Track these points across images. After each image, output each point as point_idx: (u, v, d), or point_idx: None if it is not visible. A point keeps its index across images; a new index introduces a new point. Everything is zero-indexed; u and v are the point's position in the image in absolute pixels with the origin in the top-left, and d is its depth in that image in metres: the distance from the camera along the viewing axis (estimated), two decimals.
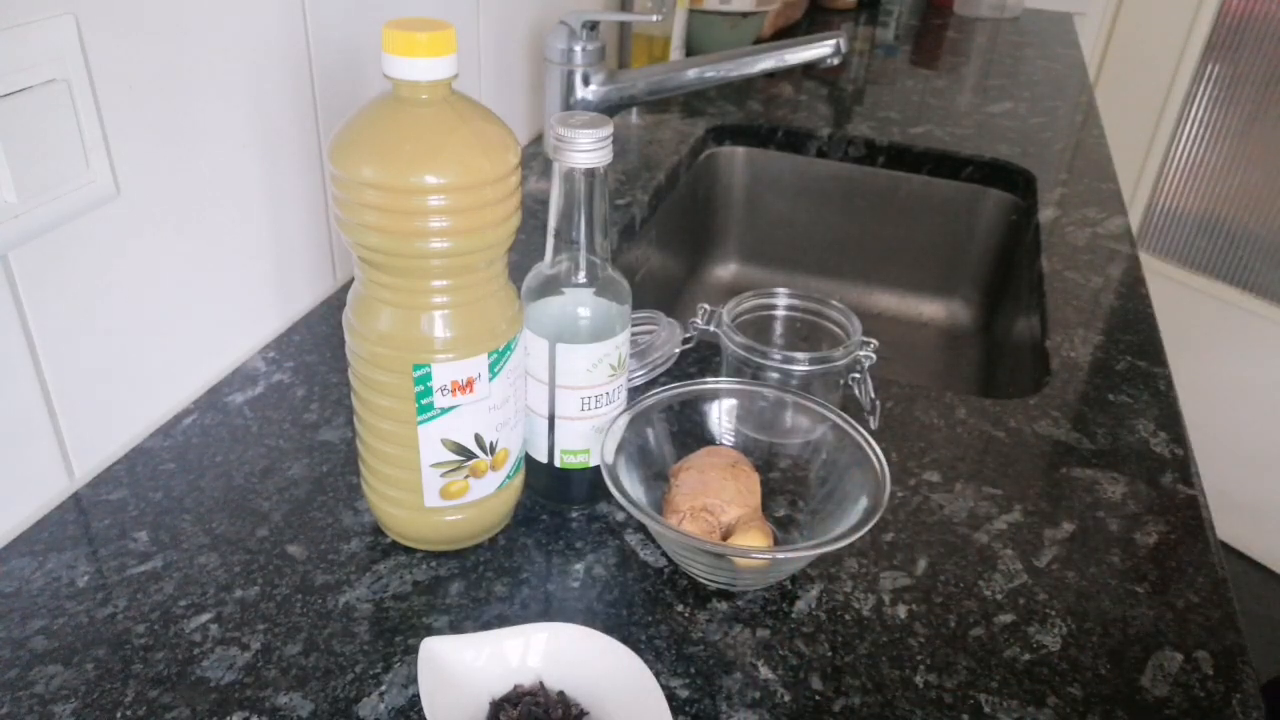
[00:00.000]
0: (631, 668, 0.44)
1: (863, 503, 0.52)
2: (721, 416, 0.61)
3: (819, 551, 0.49)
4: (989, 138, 1.22)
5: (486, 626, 0.50)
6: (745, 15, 1.40)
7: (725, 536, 0.53)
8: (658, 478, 0.57)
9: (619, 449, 0.54)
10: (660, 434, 0.58)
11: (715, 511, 0.53)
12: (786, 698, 0.47)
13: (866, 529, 0.49)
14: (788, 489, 0.59)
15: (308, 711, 0.45)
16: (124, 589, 0.51)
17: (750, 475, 0.56)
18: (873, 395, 0.66)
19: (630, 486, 0.53)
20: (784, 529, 0.57)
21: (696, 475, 0.55)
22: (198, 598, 0.51)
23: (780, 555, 0.51)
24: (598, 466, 0.57)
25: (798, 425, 0.60)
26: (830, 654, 0.50)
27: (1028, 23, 1.85)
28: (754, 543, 0.51)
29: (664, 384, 0.60)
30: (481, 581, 0.53)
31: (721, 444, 0.60)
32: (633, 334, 0.72)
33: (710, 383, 0.61)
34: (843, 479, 0.55)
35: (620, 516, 0.58)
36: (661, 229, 1.10)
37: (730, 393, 0.61)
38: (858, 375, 0.66)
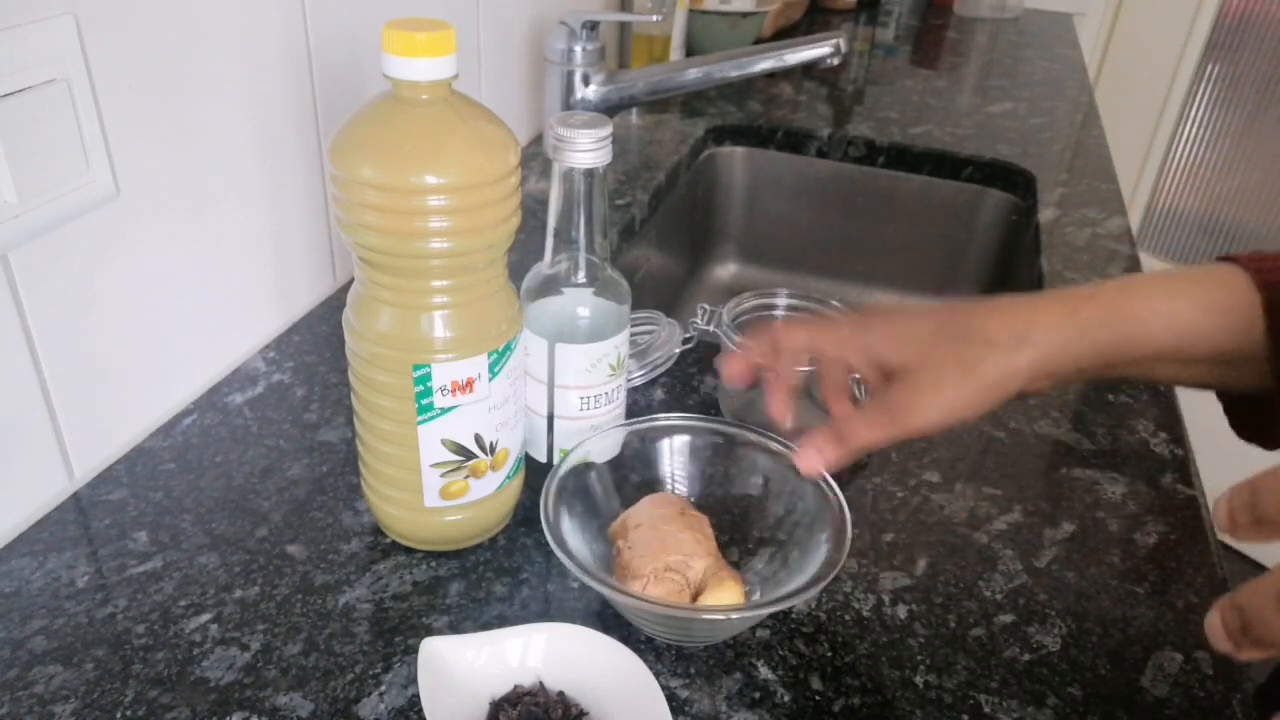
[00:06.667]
0: (631, 668, 0.44)
1: (825, 535, 0.49)
2: (673, 455, 0.57)
3: (812, 592, 0.46)
4: (989, 138, 1.22)
5: (486, 626, 0.50)
6: (745, 15, 1.40)
7: (697, 593, 0.49)
8: (604, 530, 0.53)
9: (560, 506, 0.50)
10: (606, 484, 0.54)
11: (681, 569, 0.49)
12: (786, 698, 0.47)
13: (834, 573, 0.46)
14: (740, 524, 0.55)
15: (308, 712, 0.45)
16: (124, 589, 0.51)
17: (699, 518, 0.52)
18: None
19: (578, 548, 0.48)
20: (744, 562, 0.53)
21: (649, 532, 0.50)
22: (197, 598, 0.51)
23: (764, 609, 0.47)
24: None
25: (747, 461, 0.56)
26: (830, 654, 0.50)
27: (1028, 23, 1.85)
28: (730, 595, 0.48)
29: (633, 409, 0.60)
30: (481, 581, 0.53)
31: (669, 489, 0.56)
32: (632, 334, 0.72)
33: (661, 419, 0.56)
34: (795, 503, 0.53)
35: None
36: (661, 229, 1.10)
37: (682, 429, 0.56)
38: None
